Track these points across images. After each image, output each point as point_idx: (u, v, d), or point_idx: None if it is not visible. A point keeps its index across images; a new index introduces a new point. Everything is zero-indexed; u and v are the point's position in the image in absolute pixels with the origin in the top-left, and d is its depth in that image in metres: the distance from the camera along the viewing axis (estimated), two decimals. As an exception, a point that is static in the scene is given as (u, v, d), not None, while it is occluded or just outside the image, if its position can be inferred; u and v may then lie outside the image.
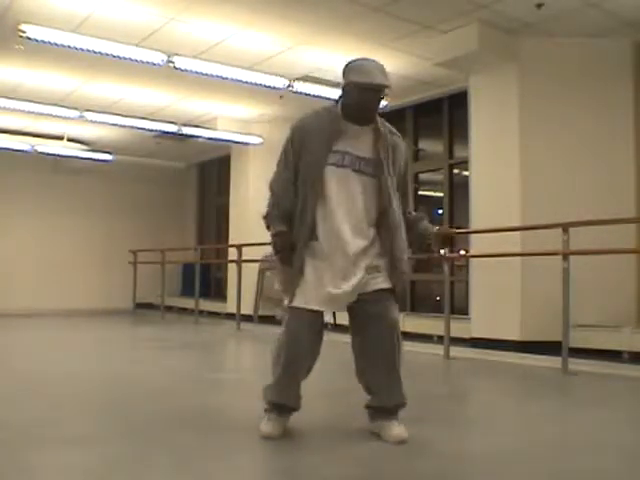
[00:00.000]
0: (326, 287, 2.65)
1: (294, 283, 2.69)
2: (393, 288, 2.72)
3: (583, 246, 4.92)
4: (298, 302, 2.67)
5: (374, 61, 2.69)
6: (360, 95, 2.64)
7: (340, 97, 2.75)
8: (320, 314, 2.72)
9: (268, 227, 2.78)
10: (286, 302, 2.74)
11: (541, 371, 5.01)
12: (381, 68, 2.66)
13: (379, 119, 2.76)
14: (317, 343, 2.76)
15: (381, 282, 2.69)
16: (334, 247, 2.66)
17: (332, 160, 2.67)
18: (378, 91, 2.65)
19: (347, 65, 2.71)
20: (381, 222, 2.71)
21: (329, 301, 2.68)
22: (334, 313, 2.84)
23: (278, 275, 2.80)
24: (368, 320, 2.71)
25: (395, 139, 2.78)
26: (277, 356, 2.76)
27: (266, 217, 2.78)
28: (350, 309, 2.75)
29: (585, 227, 4.90)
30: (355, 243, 2.67)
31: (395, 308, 2.75)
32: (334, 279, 2.65)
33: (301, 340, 2.70)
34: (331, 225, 2.66)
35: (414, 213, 2.93)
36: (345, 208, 2.67)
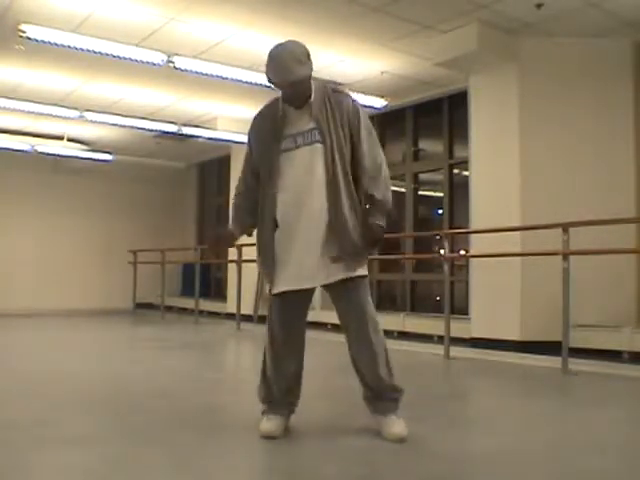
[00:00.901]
0: (288, 267, 2.68)
1: (271, 275, 2.73)
2: (352, 277, 2.69)
3: (583, 246, 4.92)
4: (273, 290, 2.74)
5: (286, 51, 2.64)
6: (280, 89, 2.71)
7: None
8: (295, 297, 2.72)
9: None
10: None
11: (541, 371, 5.01)
12: (291, 58, 2.60)
13: (318, 85, 2.74)
14: (296, 328, 2.79)
15: (341, 272, 2.67)
16: (294, 227, 2.67)
17: (285, 146, 2.70)
18: (290, 85, 2.64)
19: (267, 54, 2.71)
20: (331, 194, 2.66)
21: (290, 282, 2.69)
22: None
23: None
24: (338, 305, 2.77)
25: (339, 97, 2.76)
26: (265, 353, 2.83)
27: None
28: (329, 293, 2.79)
29: (585, 227, 4.90)
30: (314, 220, 2.66)
31: (360, 292, 2.72)
32: (299, 261, 2.67)
33: (279, 324, 2.75)
34: (290, 206, 2.68)
35: (372, 196, 2.71)
36: (303, 188, 2.67)
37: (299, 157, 2.69)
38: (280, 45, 2.69)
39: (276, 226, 2.72)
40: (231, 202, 2.98)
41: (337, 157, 2.66)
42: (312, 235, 2.66)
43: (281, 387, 2.80)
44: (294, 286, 2.69)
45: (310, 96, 2.71)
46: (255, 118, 2.88)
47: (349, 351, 2.82)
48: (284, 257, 2.69)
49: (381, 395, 2.77)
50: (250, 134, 2.87)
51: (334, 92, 2.78)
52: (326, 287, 2.75)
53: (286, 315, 2.76)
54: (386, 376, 2.76)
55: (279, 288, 2.71)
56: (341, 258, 2.66)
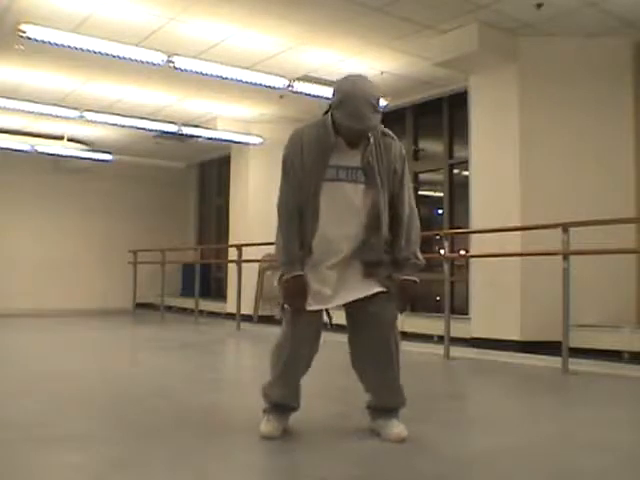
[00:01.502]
0: (321, 289, 2.67)
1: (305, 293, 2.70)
2: (388, 290, 2.71)
3: (583, 246, 4.92)
4: (309, 308, 2.68)
5: (364, 88, 2.55)
6: (347, 130, 2.59)
7: (329, 111, 2.68)
8: (319, 313, 2.73)
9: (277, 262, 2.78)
10: (286, 306, 2.76)
11: (541, 371, 5.01)
12: (368, 103, 2.51)
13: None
14: (316, 341, 2.77)
15: (376, 286, 2.69)
16: (328, 255, 2.67)
17: (328, 176, 2.66)
18: (363, 131, 2.59)
19: (338, 88, 2.60)
20: (374, 229, 2.68)
21: (326, 301, 2.69)
22: (328, 313, 2.85)
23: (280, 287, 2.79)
24: (364, 320, 2.73)
25: (387, 140, 2.74)
26: (276, 355, 2.78)
27: (277, 257, 2.77)
28: (348, 310, 2.77)
29: (585, 227, 4.90)
30: (347, 248, 2.68)
31: (392, 309, 2.75)
32: (329, 282, 2.67)
33: (300, 339, 2.72)
34: (326, 236, 2.67)
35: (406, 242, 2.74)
36: (339, 219, 2.67)
37: (340, 190, 2.66)
38: (356, 82, 2.57)
39: (310, 250, 2.69)
40: (279, 231, 2.75)
41: (382, 202, 2.67)
42: (344, 266, 2.67)
43: (291, 392, 2.79)
44: (326, 304, 2.69)
45: (369, 137, 2.65)
46: (302, 134, 2.71)
47: (358, 359, 2.80)
48: (314, 284, 2.67)
49: (387, 408, 2.77)
50: (292, 152, 2.70)
51: (383, 135, 2.73)
52: (353, 302, 2.71)
53: (314, 329, 2.74)
54: (399, 392, 2.77)
55: (311, 307, 2.67)
56: (375, 274, 2.68)
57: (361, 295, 2.69)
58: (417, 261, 2.73)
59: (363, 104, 2.50)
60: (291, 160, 2.70)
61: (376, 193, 2.66)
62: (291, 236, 2.69)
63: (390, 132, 2.80)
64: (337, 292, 2.68)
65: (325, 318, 2.83)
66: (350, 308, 2.75)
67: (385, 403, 2.78)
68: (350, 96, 2.53)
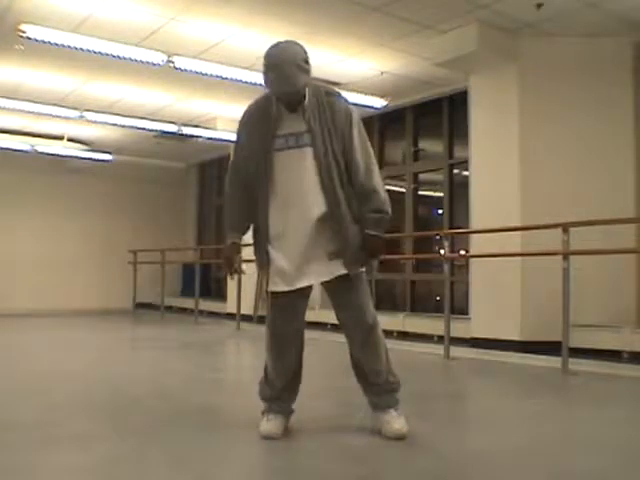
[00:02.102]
0: (287, 266, 2.66)
1: (265, 274, 2.73)
2: (352, 270, 2.68)
3: (583, 246, 4.92)
4: (270, 287, 2.71)
5: (287, 50, 2.58)
6: (278, 95, 2.65)
7: None
8: (293, 296, 2.70)
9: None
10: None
11: (541, 371, 5.01)
12: (293, 64, 2.53)
13: (312, 87, 2.69)
14: (295, 325, 2.79)
15: (339, 268, 2.66)
16: (290, 225, 2.66)
17: (277, 146, 2.67)
18: (289, 94, 2.61)
19: (264, 56, 2.61)
20: (331, 193, 2.64)
21: (291, 281, 2.66)
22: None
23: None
24: (337, 304, 2.77)
25: (331, 99, 2.72)
26: (266, 350, 2.84)
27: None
28: (326, 290, 2.78)
29: (585, 227, 4.90)
30: (308, 219, 2.64)
31: (359, 291, 2.72)
32: (294, 257, 2.65)
33: (279, 324, 2.76)
34: (285, 207, 2.67)
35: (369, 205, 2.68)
36: (294, 187, 2.66)
37: (290, 158, 2.67)
38: (279, 48, 2.60)
39: (267, 226, 2.71)
40: (225, 201, 2.88)
41: (331, 160, 2.64)
42: (306, 235, 2.64)
43: (280, 385, 2.80)
44: (291, 286, 2.66)
45: (305, 97, 2.67)
46: (246, 113, 2.80)
47: (349, 347, 2.82)
48: (278, 257, 2.67)
49: (380, 389, 2.78)
50: (241, 129, 2.80)
51: (327, 94, 2.74)
52: (325, 284, 2.74)
53: (285, 314, 2.76)
54: (385, 369, 2.77)
55: (277, 288, 2.69)
56: (339, 255, 2.65)
57: (325, 278, 2.67)
58: (377, 215, 2.67)
59: (287, 66, 2.54)
60: (239, 132, 2.79)
61: (323, 152, 2.63)
62: (233, 206, 2.81)
63: (335, 90, 2.81)
64: (302, 272, 2.65)
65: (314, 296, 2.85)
66: (328, 293, 2.78)
67: (371, 382, 2.78)
68: (273, 61, 2.57)
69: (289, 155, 2.67)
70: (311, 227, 2.64)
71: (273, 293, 2.72)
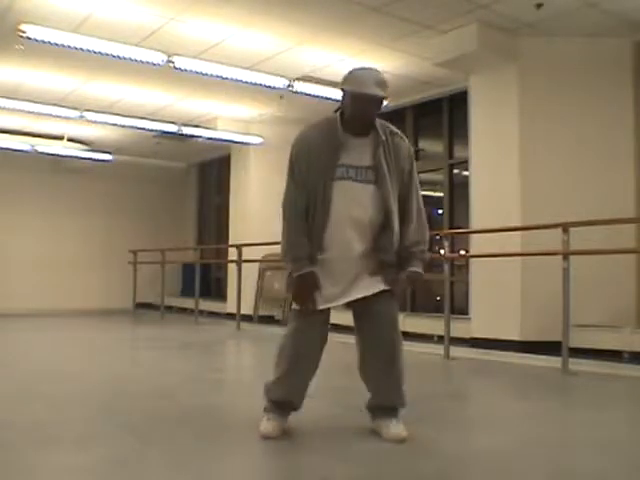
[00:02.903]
0: (331, 288, 2.69)
1: (307, 294, 2.71)
2: (391, 289, 2.73)
3: (583, 246, 4.92)
4: (318, 307, 2.70)
5: (374, 71, 2.68)
6: (354, 105, 2.64)
7: (339, 107, 2.76)
8: (324, 312, 2.74)
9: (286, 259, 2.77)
10: (294, 304, 2.77)
11: (541, 371, 5.01)
12: (378, 79, 2.63)
13: (379, 123, 2.74)
14: (320, 341, 2.78)
15: (381, 284, 2.71)
16: (339, 254, 2.69)
17: (337, 174, 2.67)
18: (372, 101, 2.63)
19: (347, 73, 2.70)
20: (383, 227, 2.71)
21: (332, 299, 2.70)
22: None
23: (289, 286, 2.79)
24: (369, 319, 2.75)
25: (396, 140, 2.77)
26: (281, 353, 2.79)
27: (285, 255, 2.77)
28: (354, 309, 2.79)
29: (585, 227, 4.90)
30: (358, 248, 2.70)
31: (394, 307, 2.78)
32: (339, 281, 2.69)
33: (304, 338, 2.74)
34: (337, 236, 2.68)
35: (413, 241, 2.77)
36: (349, 219, 2.68)
37: (350, 190, 2.67)
38: (363, 67, 2.70)
39: (321, 251, 2.71)
40: (288, 231, 2.73)
41: (392, 204, 2.68)
42: (353, 264, 2.70)
43: (297, 392, 2.80)
44: (330, 303, 2.70)
45: (375, 128, 2.69)
46: (305, 138, 2.74)
47: (362, 357, 2.81)
48: (323, 278, 2.69)
49: (387, 408, 2.78)
50: (300, 155, 2.71)
51: (392, 134, 2.76)
52: (359, 300, 2.73)
53: (319, 328, 2.76)
54: (401, 392, 2.78)
55: (322, 305, 2.69)
56: (380, 272, 2.71)
57: (367, 293, 2.70)
58: (423, 255, 2.78)
59: (371, 77, 2.62)
60: (298, 158, 2.71)
61: (386, 192, 2.68)
62: (298, 234, 2.69)
63: (399, 131, 2.83)
64: (344, 291, 2.70)
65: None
66: (355, 308, 2.77)
67: (386, 403, 2.79)
68: (361, 71, 2.66)
69: (350, 186, 2.67)
70: (357, 259, 2.70)
71: (302, 310, 2.72)
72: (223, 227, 11.58)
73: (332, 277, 2.70)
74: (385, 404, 2.79)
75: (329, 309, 2.75)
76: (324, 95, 7.77)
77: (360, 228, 2.69)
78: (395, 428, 2.71)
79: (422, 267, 2.78)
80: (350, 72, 2.69)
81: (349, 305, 2.76)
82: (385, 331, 2.73)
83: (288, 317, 2.84)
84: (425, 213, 2.84)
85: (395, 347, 2.74)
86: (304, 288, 2.68)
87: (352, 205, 2.67)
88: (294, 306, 2.77)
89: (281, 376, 2.77)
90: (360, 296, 2.70)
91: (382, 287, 2.70)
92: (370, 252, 2.72)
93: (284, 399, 2.79)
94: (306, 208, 2.69)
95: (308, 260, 2.68)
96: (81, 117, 9.09)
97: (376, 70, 2.70)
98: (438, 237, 6.42)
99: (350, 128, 2.69)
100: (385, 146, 2.71)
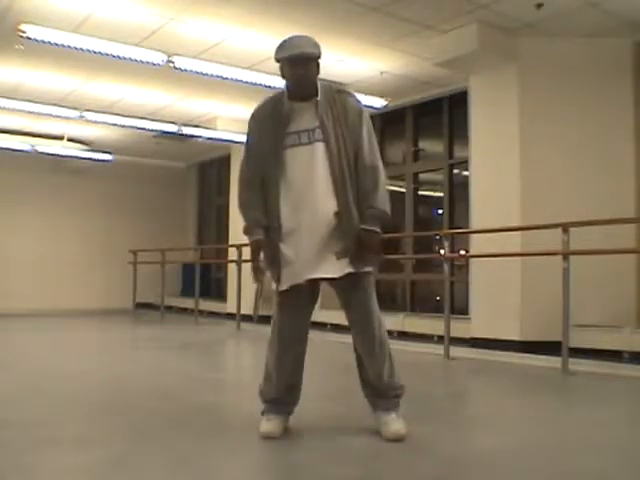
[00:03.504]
0: (296, 263, 2.66)
1: (276, 272, 2.72)
2: (360, 269, 2.69)
3: (583, 246, 4.92)
4: (280, 286, 2.72)
5: (302, 36, 2.72)
6: (289, 69, 2.70)
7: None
8: (301, 295, 2.71)
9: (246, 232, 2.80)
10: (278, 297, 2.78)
11: (541, 371, 5.01)
12: (306, 39, 2.69)
13: (322, 84, 2.75)
14: (302, 325, 2.79)
15: (346, 267, 2.66)
16: (303, 221, 2.66)
17: (289, 142, 2.70)
18: (305, 60, 2.67)
19: (277, 46, 2.72)
20: (342, 190, 2.66)
21: (297, 275, 2.67)
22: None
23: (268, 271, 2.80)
24: (344, 303, 2.77)
25: (343, 97, 2.77)
26: (269, 352, 2.83)
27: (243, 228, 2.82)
28: (337, 295, 2.79)
29: (585, 227, 4.90)
30: (320, 215, 2.65)
31: (365, 289, 2.73)
32: (302, 254, 2.65)
33: (287, 328, 2.76)
34: (298, 202, 2.67)
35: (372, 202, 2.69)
36: (309, 181, 2.67)
37: (302, 154, 2.69)
38: (300, 36, 2.74)
39: (279, 222, 2.70)
40: (238, 199, 2.81)
41: (343, 157, 2.67)
42: (317, 232, 2.65)
43: (282, 386, 2.80)
44: (299, 280, 2.66)
45: (317, 92, 2.72)
46: (258, 110, 2.84)
47: (354, 346, 2.82)
48: (289, 254, 2.67)
49: (382, 392, 2.78)
50: (252, 126, 2.83)
51: (339, 92, 2.79)
52: (332, 283, 2.73)
53: (292, 313, 2.76)
54: (388, 372, 2.76)
55: (285, 284, 2.69)
56: (345, 254, 2.65)
57: (334, 275, 2.66)
58: (374, 211, 2.68)
59: (302, 39, 2.69)
60: (249, 134, 2.82)
61: (334, 149, 2.66)
62: (248, 205, 2.76)
63: (347, 89, 2.87)
64: (312, 268, 2.64)
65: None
66: (337, 294, 2.78)
67: (374, 385, 2.78)
68: (287, 38, 2.71)
69: (301, 151, 2.69)
70: (322, 225, 2.65)
71: (282, 292, 2.72)
72: (223, 227, 11.58)
73: (296, 248, 2.66)
74: (375, 388, 2.78)
75: (304, 293, 2.71)
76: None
77: (322, 186, 2.65)
78: (394, 425, 2.70)
79: (378, 225, 2.69)
80: (281, 42, 2.72)
81: (315, 283, 2.72)
82: (360, 314, 2.73)
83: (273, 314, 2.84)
84: (383, 171, 2.74)
85: (372, 331, 2.71)
86: (253, 253, 2.73)
87: (309, 168, 2.67)
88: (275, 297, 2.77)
89: (269, 374, 2.81)
90: (327, 276, 2.66)
91: (348, 269, 2.65)
92: (335, 216, 2.64)
93: (277, 397, 2.80)
94: (261, 180, 2.73)
95: (259, 228, 2.71)
96: (81, 117, 9.09)
97: (306, 35, 2.74)
98: (438, 237, 6.42)
99: (294, 95, 2.73)
100: (330, 104, 2.71)
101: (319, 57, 2.71)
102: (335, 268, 2.65)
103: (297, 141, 2.70)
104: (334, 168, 2.65)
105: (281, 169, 2.69)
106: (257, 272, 2.74)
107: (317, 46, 2.69)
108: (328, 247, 2.65)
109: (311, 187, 2.66)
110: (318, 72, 2.73)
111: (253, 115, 2.85)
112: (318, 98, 2.71)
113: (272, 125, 2.73)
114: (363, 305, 2.73)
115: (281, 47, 2.70)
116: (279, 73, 2.78)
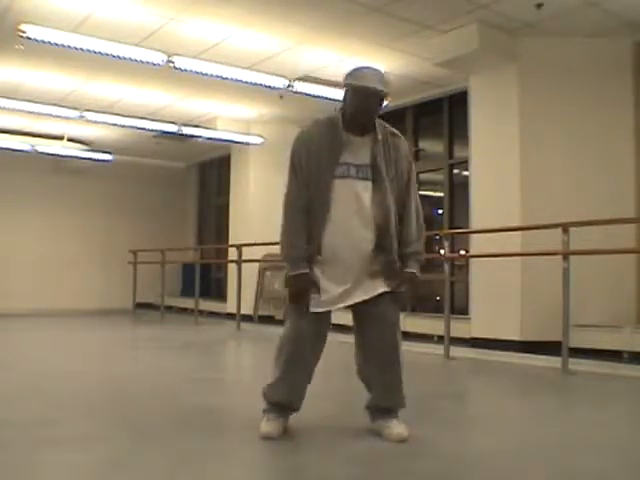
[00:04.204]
0: (331, 290, 2.68)
1: (306, 294, 2.71)
2: (393, 291, 2.73)
3: (583, 246, 4.92)
4: (311, 308, 2.70)
5: (375, 69, 2.74)
6: (356, 98, 2.68)
7: (342, 107, 2.78)
8: (325, 314, 2.74)
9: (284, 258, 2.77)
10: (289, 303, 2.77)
11: (541, 371, 5.01)
12: (379, 75, 2.70)
13: (379, 123, 2.77)
14: (318, 342, 2.78)
15: (382, 287, 2.72)
16: (343, 253, 2.69)
17: (338, 172, 2.69)
18: (373, 96, 2.67)
19: (350, 70, 2.75)
20: (384, 227, 2.72)
21: (334, 302, 2.71)
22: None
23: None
24: (370, 321, 2.75)
25: (396, 140, 2.81)
26: (279, 355, 2.78)
27: (282, 254, 2.77)
28: (354, 311, 2.79)
29: (585, 227, 4.90)
30: (365, 244, 2.70)
31: (395, 310, 2.79)
32: (340, 282, 2.69)
33: (301, 338, 2.72)
34: (340, 233, 2.69)
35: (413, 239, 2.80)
36: (353, 214, 2.69)
37: (350, 187, 2.69)
38: (374, 72, 2.73)
39: (320, 249, 2.70)
40: (287, 225, 2.73)
41: (389, 199, 2.71)
42: (355, 263, 2.69)
43: (295, 393, 2.79)
44: (332, 306, 2.70)
45: (374, 127, 2.73)
46: (309, 133, 2.78)
47: (361, 358, 2.82)
48: (323, 280, 2.69)
49: (387, 409, 2.79)
50: (301, 149, 2.74)
51: (392, 135, 2.81)
52: (361, 303, 2.73)
53: (318, 329, 2.75)
54: (402, 395, 2.79)
55: (317, 308, 2.69)
56: (380, 274, 2.71)
57: (367, 297, 2.71)
58: (420, 257, 2.82)
59: (373, 73, 2.69)
60: (299, 157, 2.73)
61: (384, 189, 2.70)
62: (297, 233, 2.70)
63: (397, 131, 2.86)
64: (345, 294, 2.70)
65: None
66: (356, 309, 2.77)
67: (386, 404, 2.79)
68: (362, 68, 2.73)
69: (348, 184, 2.70)
70: (360, 259, 2.70)
71: (308, 312, 2.70)
72: (223, 227, 11.58)
73: (333, 278, 2.69)
74: (385, 405, 2.79)
75: (327, 311, 2.74)
76: (324, 95, 7.77)
77: (364, 222, 2.69)
78: (397, 428, 2.71)
79: (419, 269, 2.80)
80: (353, 69, 2.74)
81: (349, 307, 2.76)
82: (386, 335, 2.73)
83: (284, 315, 2.83)
84: (422, 213, 2.86)
85: (395, 351, 2.75)
86: (298, 289, 2.68)
87: (354, 201, 2.69)
88: (290, 305, 2.77)
89: (279, 378, 2.77)
90: (359, 300, 2.71)
91: (382, 289, 2.71)
92: (373, 251, 2.72)
93: (283, 400, 2.79)
94: (307, 207, 2.70)
95: (305, 261, 2.68)
96: (81, 117, 9.09)
97: (379, 70, 2.75)
98: (438, 237, 6.42)
99: (351, 127, 2.72)
100: (385, 145, 2.74)
101: (387, 95, 2.73)
102: (369, 288, 2.71)
103: (346, 173, 2.70)
104: (379, 209, 2.69)
105: (330, 197, 2.68)
106: (305, 306, 2.69)
107: (387, 84, 2.71)
108: (364, 273, 2.71)
109: (354, 220, 2.69)
110: (380, 109, 2.75)
111: (302, 138, 2.78)
112: (379, 137, 2.73)
113: (327, 153, 2.70)
114: (391, 321, 2.75)
115: (354, 75, 2.70)
116: (341, 97, 2.79)
